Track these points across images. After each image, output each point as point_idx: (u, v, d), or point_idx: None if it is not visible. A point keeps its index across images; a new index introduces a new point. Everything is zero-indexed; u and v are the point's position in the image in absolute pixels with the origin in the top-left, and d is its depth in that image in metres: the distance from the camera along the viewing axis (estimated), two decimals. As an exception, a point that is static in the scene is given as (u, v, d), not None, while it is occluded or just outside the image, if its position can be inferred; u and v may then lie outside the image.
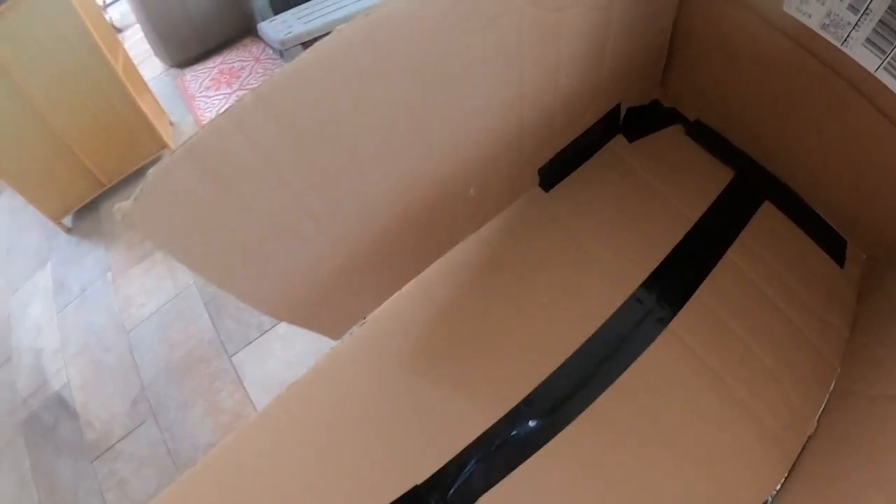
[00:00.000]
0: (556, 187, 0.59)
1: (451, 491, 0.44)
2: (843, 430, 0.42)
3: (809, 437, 0.44)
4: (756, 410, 0.45)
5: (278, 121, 0.29)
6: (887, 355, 0.43)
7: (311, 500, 0.44)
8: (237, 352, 1.17)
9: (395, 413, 0.48)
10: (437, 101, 0.37)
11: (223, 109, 0.27)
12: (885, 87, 0.40)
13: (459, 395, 0.49)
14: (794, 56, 0.47)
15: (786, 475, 0.42)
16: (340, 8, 1.64)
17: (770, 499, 0.41)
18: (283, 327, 1.17)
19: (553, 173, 0.58)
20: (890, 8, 0.36)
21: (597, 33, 0.47)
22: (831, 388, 0.46)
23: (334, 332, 0.49)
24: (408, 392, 0.49)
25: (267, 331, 1.18)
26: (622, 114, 0.61)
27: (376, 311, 0.52)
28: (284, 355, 1.11)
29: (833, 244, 0.54)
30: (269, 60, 1.81)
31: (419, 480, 0.44)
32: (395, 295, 0.53)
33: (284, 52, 1.63)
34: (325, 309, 0.46)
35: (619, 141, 0.62)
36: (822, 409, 0.45)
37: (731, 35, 0.52)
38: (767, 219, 0.56)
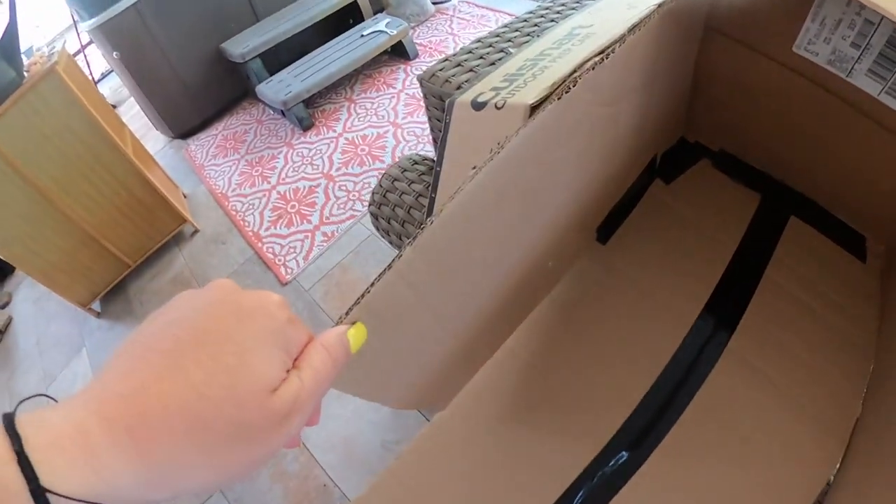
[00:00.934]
0: (610, 239, 0.64)
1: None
2: (884, 409, 0.48)
3: (857, 419, 0.50)
4: (810, 407, 0.51)
5: (429, 263, 0.34)
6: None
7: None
8: (295, 414, 1.20)
9: (503, 460, 0.53)
10: (536, 209, 0.42)
11: (388, 266, 0.32)
12: (887, 107, 0.45)
13: (557, 437, 0.54)
14: (804, 89, 0.52)
15: (842, 456, 0.48)
16: (333, 62, 1.67)
17: (832, 478, 0.47)
18: (336, 384, 1.19)
19: (607, 228, 0.63)
20: (888, 42, 0.41)
21: (643, 109, 0.52)
22: (870, 373, 0.52)
23: (442, 404, 0.54)
24: (512, 439, 0.54)
25: (320, 390, 1.21)
26: (657, 160, 0.67)
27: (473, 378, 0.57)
28: (342, 413, 1.14)
29: (854, 243, 0.61)
30: (272, 121, 1.82)
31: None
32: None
33: (287, 111, 1.66)
34: (438, 389, 0.51)
35: (658, 184, 0.68)
36: (864, 393, 0.51)
37: (746, 75, 0.57)
38: (795, 232, 0.63)
